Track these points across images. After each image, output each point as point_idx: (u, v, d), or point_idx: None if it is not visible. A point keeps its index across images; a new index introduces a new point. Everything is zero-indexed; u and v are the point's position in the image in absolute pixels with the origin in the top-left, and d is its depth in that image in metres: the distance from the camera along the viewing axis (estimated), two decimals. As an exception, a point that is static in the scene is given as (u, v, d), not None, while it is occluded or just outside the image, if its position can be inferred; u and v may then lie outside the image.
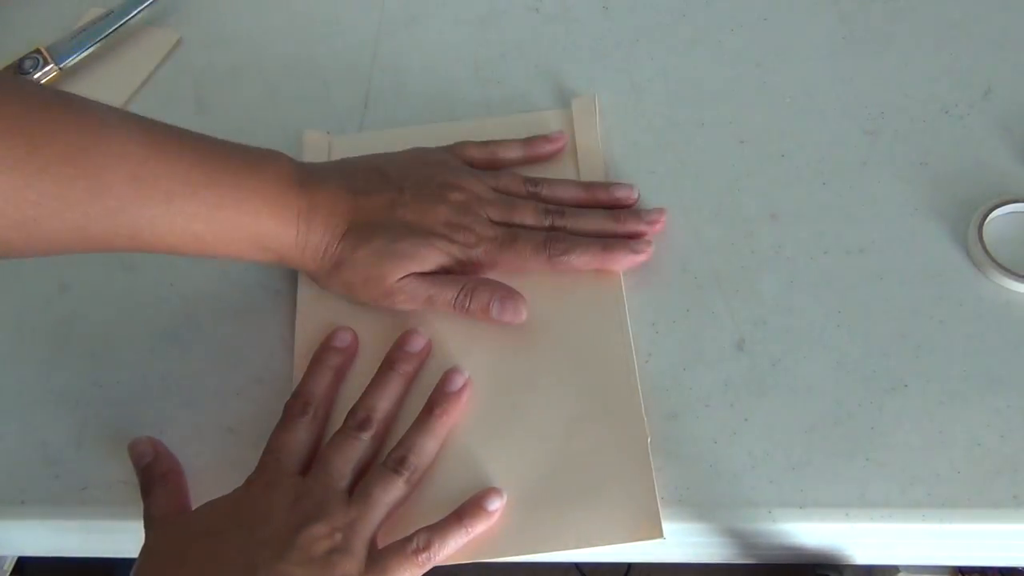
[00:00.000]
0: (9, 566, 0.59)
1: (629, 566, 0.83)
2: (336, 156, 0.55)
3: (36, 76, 0.60)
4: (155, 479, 0.44)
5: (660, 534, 0.42)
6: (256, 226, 0.45)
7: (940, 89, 0.55)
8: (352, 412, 0.45)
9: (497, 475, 0.44)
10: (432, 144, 0.53)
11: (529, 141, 0.54)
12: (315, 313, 0.49)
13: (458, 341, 0.48)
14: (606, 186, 0.52)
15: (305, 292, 0.50)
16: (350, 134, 0.57)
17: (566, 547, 0.42)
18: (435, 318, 0.48)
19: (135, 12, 0.63)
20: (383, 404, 0.45)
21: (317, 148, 0.56)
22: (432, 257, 0.47)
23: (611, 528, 0.42)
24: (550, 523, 0.43)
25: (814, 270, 0.49)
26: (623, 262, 0.49)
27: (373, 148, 0.52)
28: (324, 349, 0.47)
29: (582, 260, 0.48)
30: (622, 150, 0.55)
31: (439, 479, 0.44)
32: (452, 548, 0.41)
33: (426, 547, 0.41)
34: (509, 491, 0.43)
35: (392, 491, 0.42)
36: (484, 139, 0.54)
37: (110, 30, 0.62)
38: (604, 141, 0.55)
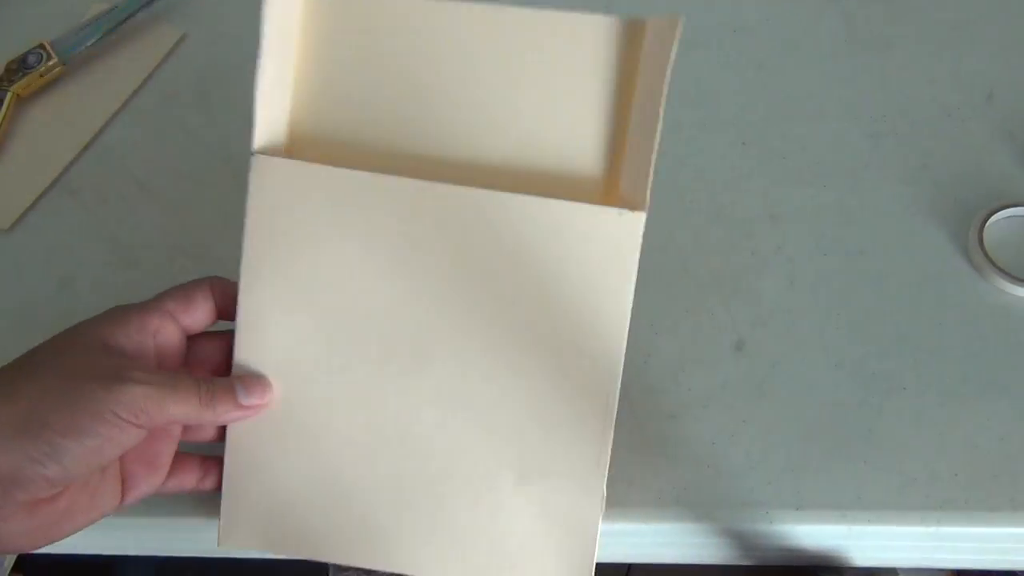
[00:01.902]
0: (9, 564, 0.59)
1: (629, 567, 0.83)
2: (312, 25, 0.41)
3: (40, 71, 0.60)
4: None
5: None
6: None
7: (942, 92, 0.55)
8: None
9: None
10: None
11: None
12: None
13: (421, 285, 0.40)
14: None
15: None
16: None
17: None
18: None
19: (139, 7, 0.63)
20: None
21: (284, 9, 0.40)
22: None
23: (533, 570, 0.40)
24: (461, 540, 0.40)
25: (814, 272, 0.49)
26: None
27: (363, 18, 0.41)
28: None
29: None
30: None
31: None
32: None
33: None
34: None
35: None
36: (504, 36, 0.40)
37: (114, 25, 0.62)
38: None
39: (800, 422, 0.44)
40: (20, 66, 0.60)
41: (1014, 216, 0.50)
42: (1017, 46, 0.57)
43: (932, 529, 0.42)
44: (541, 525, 0.40)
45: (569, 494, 0.39)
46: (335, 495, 0.41)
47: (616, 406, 0.39)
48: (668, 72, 0.37)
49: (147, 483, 0.39)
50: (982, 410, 0.44)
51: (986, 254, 0.48)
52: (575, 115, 0.40)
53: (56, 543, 0.37)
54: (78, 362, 0.36)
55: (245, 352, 0.40)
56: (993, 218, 0.49)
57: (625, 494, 0.43)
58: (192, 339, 0.41)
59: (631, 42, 0.39)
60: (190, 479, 0.41)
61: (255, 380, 0.40)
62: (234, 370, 0.41)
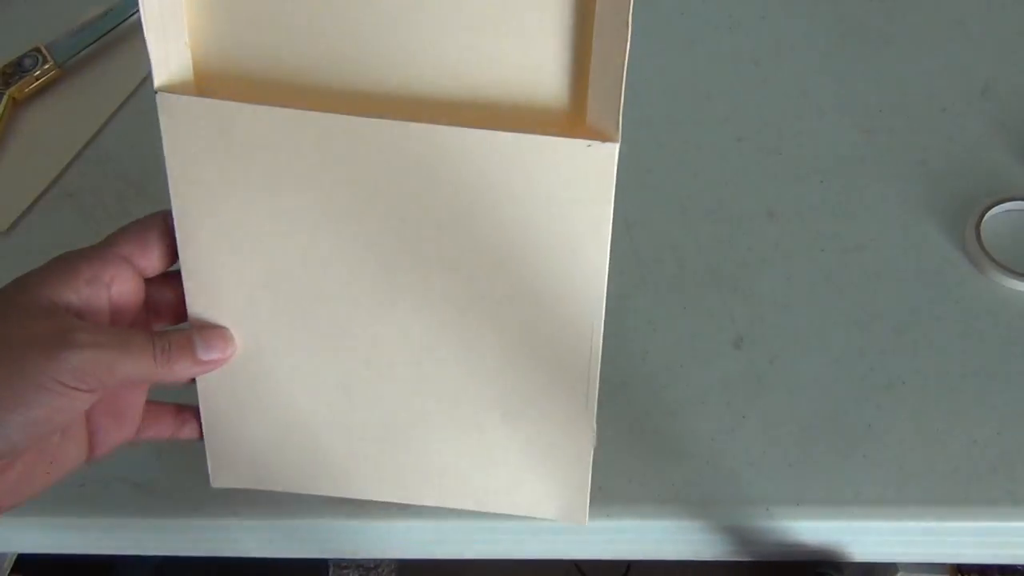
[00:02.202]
0: (9, 563, 0.59)
1: (629, 564, 0.83)
2: None
3: (36, 74, 0.60)
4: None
5: (583, 520, 0.39)
6: None
7: (938, 87, 0.55)
8: None
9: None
10: None
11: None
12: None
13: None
14: None
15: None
16: None
17: (463, 505, 0.39)
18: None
19: (133, 10, 0.63)
20: None
21: None
22: None
23: (528, 498, 0.39)
24: (452, 471, 0.39)
25: (811, 268, 0.49)
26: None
27: None
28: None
29: None
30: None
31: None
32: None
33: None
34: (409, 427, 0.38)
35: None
36: None
37: (109, 28, 0.62)
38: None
39: (799, 417, 0.44)
40: (16, 69, 0.60)
41: (1011, 210, 0.50)
42: (1012, 40, 0.57)
43: (932, 524, 0.42)
44: (532, 456, 0.39)
45: (559, 426, 0.38)
46: (313, 436, 0.40)
47: (601, 341, 0.37)
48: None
49: (117, 435, 0.37)
50: (980, 404, 0.44)
51: (983, 248, 0.48)
52: (531, 37, 0.34)
53: (57, 543, 0.37)
54: (17, 327, 0.33)
55: (197, 303, 0.37)
56: (990, 212, 0.49)
57: (624, 490, 0.43)
58: (149, 283, 0.37)
59: None
60: (165, 429, 0.39)
61: (214, 332, 0.37)
62: (190, 321, 0.38)
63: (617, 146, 0.33)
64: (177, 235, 0.36)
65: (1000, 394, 0.44)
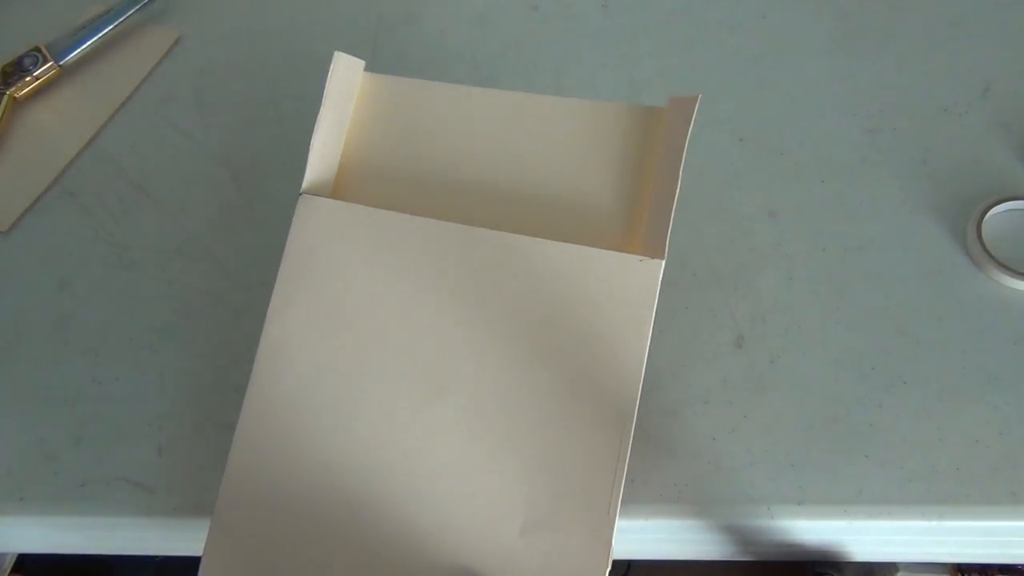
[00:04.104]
0: (9, 563, 0.59)
1: (629, 564, 0.83)
2: (368, 98, 0.47)
3: (36, 73, 0.60)
4: None
5: None
6: None
7: (939, 87, 0.55)
8: None
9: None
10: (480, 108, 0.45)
11: None
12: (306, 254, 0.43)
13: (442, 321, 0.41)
14: None
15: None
16: (388, 75, 0.48)
17: None
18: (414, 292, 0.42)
19: (133, 9, 0.63)
20: None
21: (346, 79, 0.46)
22: None
23: None
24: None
25: (813, 267, 0.49)
26: None
27: (413, 101, 0.46)
28: None
29: None
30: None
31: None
32: None
33: None
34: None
35: None
36: (534, 116, 0.45)
37: (109, 27, 0.62)
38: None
39: (801, 417, 0.44)
40: (16, 69, 0.60)
41: (1012, 209, 0.50)
42: (1013, 40, 0.57)
43: (933, 523, 0.42)
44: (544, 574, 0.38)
45: (576, 544, 0.38)
46: (331, 535, 0.40)
47: (628, 451, 0.39)
48: (685, 145, 0.41)
49: None
50: (982, 404, 0.44)
51: (985, 248, 0.48)
52: (598, 180, 0.43)
53: (57, 543, 0.37)
54: None
55: (261, 382, 0.41)
56: (991, 212, 0.49)
57: (626, 491, 0.42)
58: None
59: (648, 120, 0.44)
60: None
61: None
62: (247, 400, 0.41)
63: (663, 262, 0.40)
64: (268, 312, 0.42)
65: (1001, 393, 0.44)
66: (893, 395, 0.45)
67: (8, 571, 0.57)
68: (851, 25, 0.59)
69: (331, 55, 0.44)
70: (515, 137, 0.45)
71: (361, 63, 0.47)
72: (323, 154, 0.44)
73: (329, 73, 0.44)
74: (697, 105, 0.42)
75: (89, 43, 0.62)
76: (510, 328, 0.41)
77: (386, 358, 0.41)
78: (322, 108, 0.44)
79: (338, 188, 0.45)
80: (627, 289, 0.40)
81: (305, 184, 0.43)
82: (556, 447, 0.39)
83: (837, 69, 0.57)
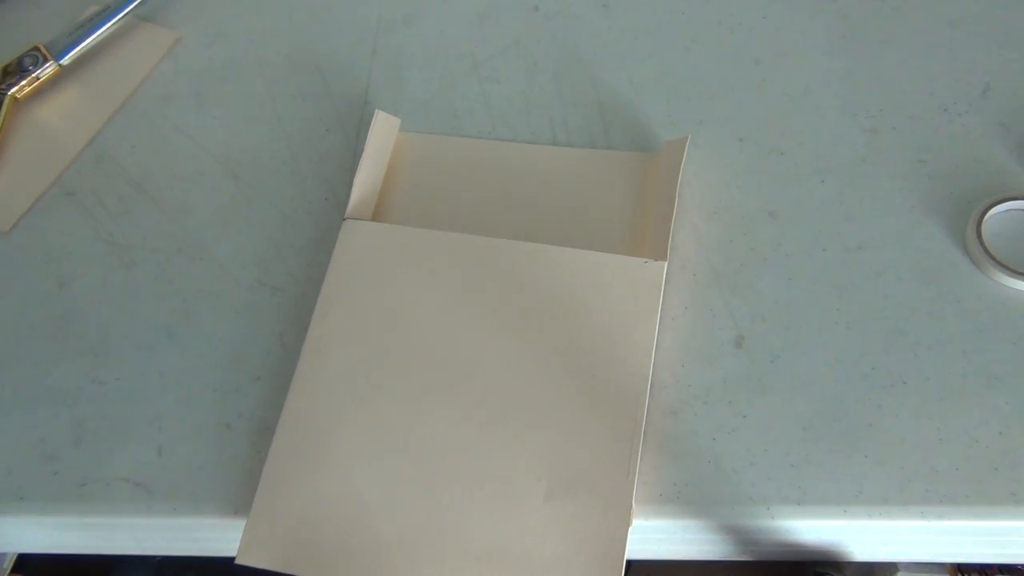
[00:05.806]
0: (9, 563, 0.59)
1: (629, 564, 0.83)
2: (402, 151, 0.55)
3: (36, 73, 0.60)
4: None
5: None
6: None
7: (939, 87, 0.55)
8: None
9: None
10: (490, 167, 0.54)
11: None
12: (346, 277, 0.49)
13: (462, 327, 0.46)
14: None
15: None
16: (419, 132, 0.57)
17: None
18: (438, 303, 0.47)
19: (131, 7, 0.63)
20: None
21: (384, 132, 0.54)
22: None
23: None
24: (490, 555, 0.41)
25: (813, 267, 0.49)
26: None
27: (441, 153, 0.55)
28: None
29: None
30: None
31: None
32: None
33: None
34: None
35: None
36: (547, 167, 0.54)
37: (107, 25, 0.62)
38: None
39: (800, 417, 0.44)
40: (16, 69, 0.60)
41: (1012, 209, 0.50)
42: (1013, 40, 0.57)
43: (933, 523, 0.42)
44: (569, 543, 0.40)
45: (597, 510, 0.41)
46: (359, 517, 0.42)
47: (643, 426, 0.43)
48: (680, 171, 0.50)
49: None
50: (982, 404, 0.44)
51: (984, 248, 0.48)
52: (609, 209, 0.52)
53: (57, 543, 0.37)
54: None
55: (305, 375, 0.46)
56: (991, 212, 0.49)
57: (625, 491, 0.43)
58: None
59: (648, 161, 0.53)
60: None
61: None
62: (292, 391, 0.45)
63: (666, 264, 0.47)
64: (313, 316, 0.47)
65: (1001, 393, 0.44)
66: (893, 395, 0.45)
67: (8, 571, 0.57)
68: (851, 25, 0.59)
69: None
70: (531, 180, 0.53)
71: (397, 121, 0.55)
72: (363, 189, 0.51)
73: (370, 128, 0.53)
74: (687, 146, 0.51)
75: (88, 41, 0.62)
76: (530, 322, 0.46)
77: (418, 352, 0.46)
78: (363, 156, 0.52)
79: (376, 216, 0.52)
80: (636, 287, 0.46)
81: (348, 211, 0.50)
82: (577, 423, 0.43)
83: (837, 69, 0.57)
